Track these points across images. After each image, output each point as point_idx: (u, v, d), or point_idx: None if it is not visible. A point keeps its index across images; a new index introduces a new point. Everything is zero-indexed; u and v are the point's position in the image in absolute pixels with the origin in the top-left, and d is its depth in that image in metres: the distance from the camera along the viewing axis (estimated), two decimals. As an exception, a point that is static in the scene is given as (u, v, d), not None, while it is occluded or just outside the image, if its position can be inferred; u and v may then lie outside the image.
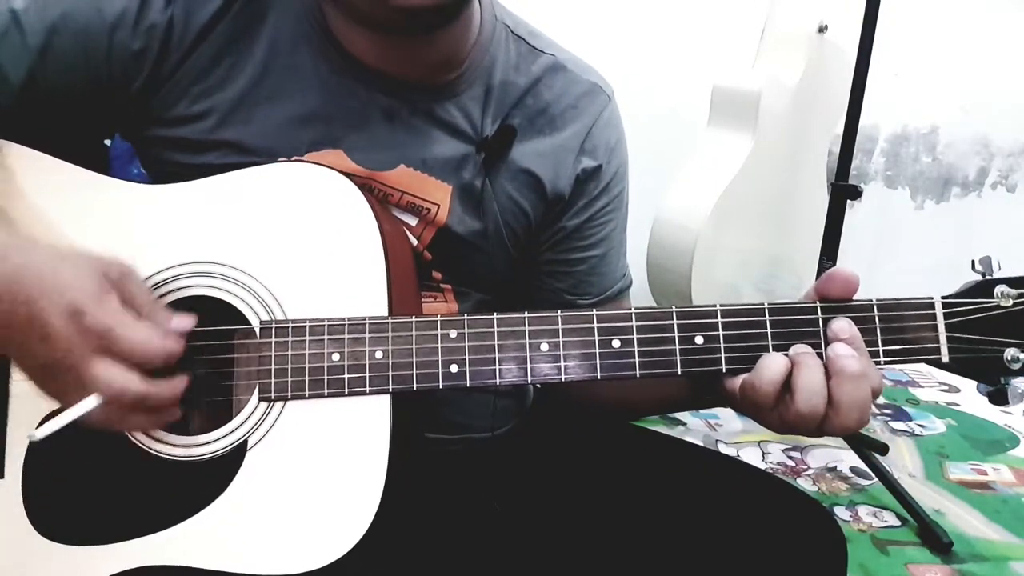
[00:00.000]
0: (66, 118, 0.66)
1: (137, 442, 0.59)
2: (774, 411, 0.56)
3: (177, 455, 0.59)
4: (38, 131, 0.65)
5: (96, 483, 0.59)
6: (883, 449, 1.54)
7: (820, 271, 1.73)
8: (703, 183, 1.67)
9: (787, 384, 0.55)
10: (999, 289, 0.57)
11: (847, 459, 1.66)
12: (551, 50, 0.75)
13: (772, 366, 0.56)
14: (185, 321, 0.56)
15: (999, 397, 0.59)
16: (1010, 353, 0.56)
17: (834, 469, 1.65)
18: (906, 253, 2.44)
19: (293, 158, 0.66)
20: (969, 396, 2.10)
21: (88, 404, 0.52)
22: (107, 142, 0.77)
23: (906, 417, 1.96)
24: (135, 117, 0.67)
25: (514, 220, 0.73)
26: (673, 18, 2.23)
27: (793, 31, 1.69)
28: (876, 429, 1.88)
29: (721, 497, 0.70)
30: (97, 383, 0.52)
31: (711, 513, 0.68)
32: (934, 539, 1.39)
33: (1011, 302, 0.56)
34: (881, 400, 2.06)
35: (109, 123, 0.70)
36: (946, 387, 2.17)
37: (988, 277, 0.57)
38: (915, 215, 2.49)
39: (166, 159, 0.68)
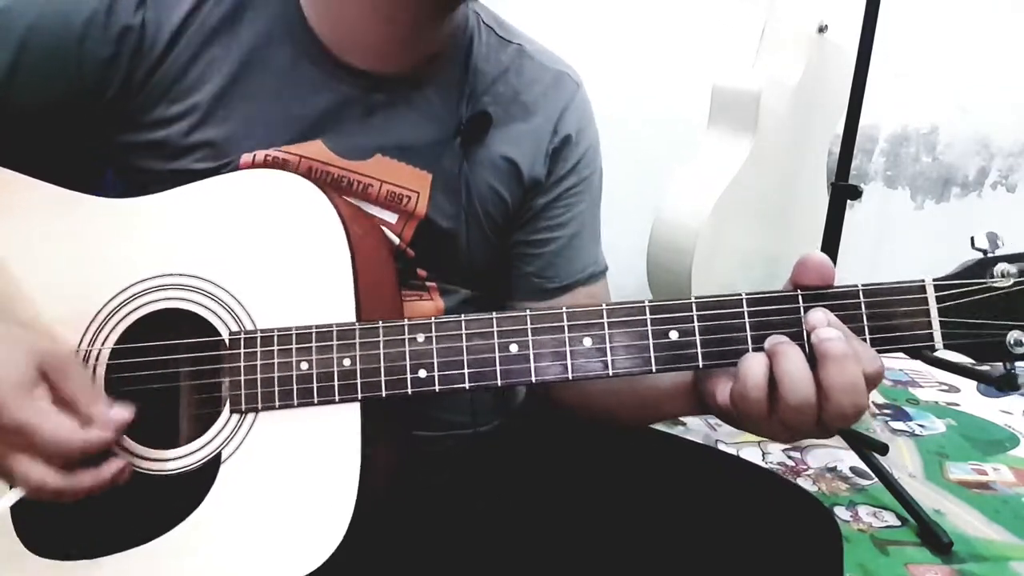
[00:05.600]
0: (43, 131, 0.66)
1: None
2: (773, 417, 0.53)
3: (154, 469, 0.59)
4: (19, 145, 0.65)
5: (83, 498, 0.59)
6: (883, 449, 1.54)
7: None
8: (703, 183, 1.67)
9: (773, 382, 0.52)
10: (999, 268, 0.52)
11: (847, 459, 1.67)
12: (518, 40, 0.76)
13: (752, 368, 0.52)
14: (123, 413, 0.56)
15: (1007, 383, 0.54)
16: (1013, 336, 0.52)
17: (834, 469, 1.65)
18: (906, 253, 2.44)
19: (272, 149, 0.66)
20: (969, 396, 2.10)
21: (9, 499, 0.54)
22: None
23: (906, 417, 1.96)
24: (111, 124, 0.66)
25: (493, 207, 0.74)
26: (673, 18, 2.23)
27: (793, 31, 1.69)
28: (876, 429, 1.88)
29: (713, 491, 0.69)
30: (15, 479, 0.54)
31: (703, 507, 0.67)
32: (934, 539, 1.39)
33: (1011, 281, 0.52)
34: (881, 400, 2.06)
35: (86, 133, 0.68)
36: (946, 387, 2.17)
37: (989, 255, 0.53)
38: (915, 215, 2.49)
39: (142, 167, 0.67)
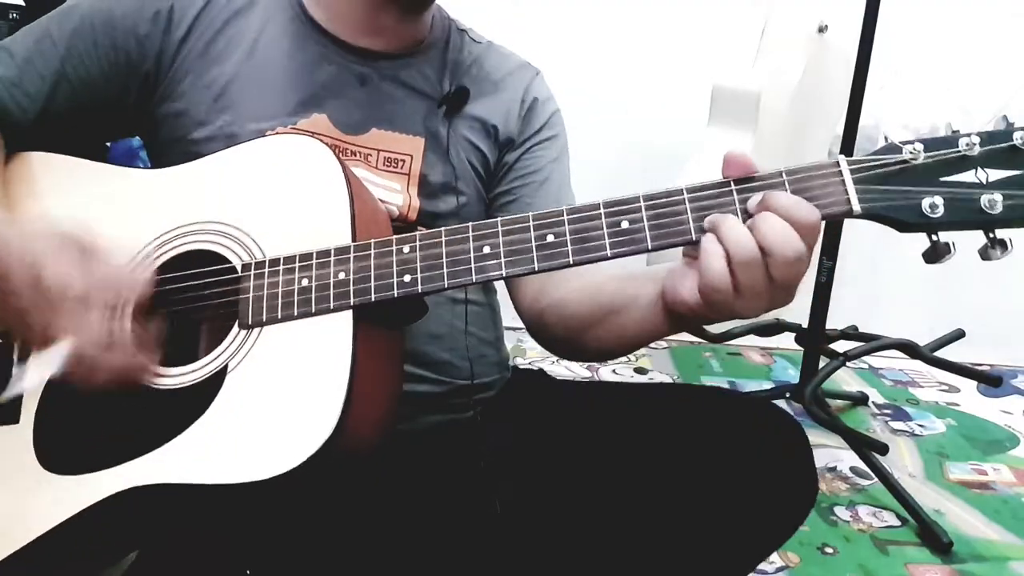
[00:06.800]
0: (91, 112, 0.78)
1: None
2: (736, 292, 0.57)
3: (168, 384, 0.64)
4: (62, 132, 0.77)
5: (99, 417, 0.65)
6: (883, 449, 1.54)
7: (819, 271, 1.74)
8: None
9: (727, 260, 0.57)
10: (909, 146, 0.57)
11: (847, 459, 1.67)
12: (484, 40, 0.93)
13: (710, 250, 0.57)
14: (146, 272, 0.64)
15: (932, 254, 0.58)
16: (927, 201, 0.56)
17: (834, 469, 1.65)
18: (906, 253, 2.43)
19: (289, 127, 0.78)
20: (969, 396, 2.11)
21: (61, 350, 0.59)
22: (107, 144, 0.82)
23: (906, 417, 1.96)
24: (149, 97, 0.79)
25: (477, 161, 0.87)
26: (673, 18, 2.23)
27: (793, 31, 1.69)
28: (876, 429, 1.88)
29: (688, 423, 0.74)
30: (63, 329, 0.59)
31: (679, 439, 0.72)
32: (934, 539, 1.39)
33: (922, 156, 0.57)
34: (881, 400, 2.06)
35: (127, 111, 0.80)
36: (946, 387, 2.17)
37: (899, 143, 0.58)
38: (915, 215, 2.49)
39: (176, 136, 0.78)
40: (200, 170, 0.72)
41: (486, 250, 0.62)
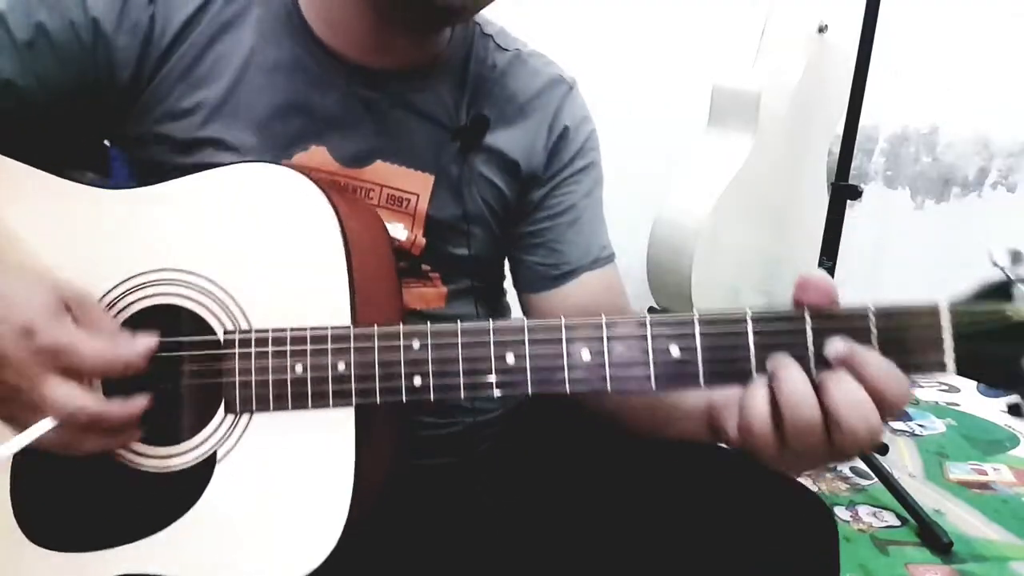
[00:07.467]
0: (57, 117, 0.68)
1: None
2: (785, 447, 0.50)
3: (151, 467, 0.59)
4: (33, 132, 0.67)
5: (78, 492, 0.60)
6: (883, 449, 1.54)
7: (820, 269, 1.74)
8: (703, 183, 1.68)
9: (779, 412, 0.50)
10: (1019, 291, 0.50)
11: (847, 459, 1.67)
12: (515, 46, 0.80)
13: (754, 399, 0.50)
14: (149, 340, 0.56)
15: (1018, 411, 0.56)
16: None
17: (834, 469, 1.65)
18: (906, 253, 2.43)
19: (283, 163, 0.66)
20: (969, 396, 2.11)
21: (41, 427, 0.52)
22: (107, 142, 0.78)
23: (906, 417, 1.96)
24: (125, 114, 0.69)
25: (493, 199, 0.76)
26: (673, 18, 2.23)
27: (793, 31, 1.69)
28: (876, 429, 1.88)
29: (709, 486, 0.69)
30: (50, 404, 0.52)
31: (698, 500, 0.67)
32: (934, 539, 1.39)
33: None
34: (881, 400, 2.06)
35: (101, 122, 0.71)
36: (946, 387, 2.17)
37: (1009, 276, 0.51)
38: (915, 215, 2.49)
39: (157, 160, 0.69)
40: (174, 198, 0.61)
41: (509, 360, 0.54)
